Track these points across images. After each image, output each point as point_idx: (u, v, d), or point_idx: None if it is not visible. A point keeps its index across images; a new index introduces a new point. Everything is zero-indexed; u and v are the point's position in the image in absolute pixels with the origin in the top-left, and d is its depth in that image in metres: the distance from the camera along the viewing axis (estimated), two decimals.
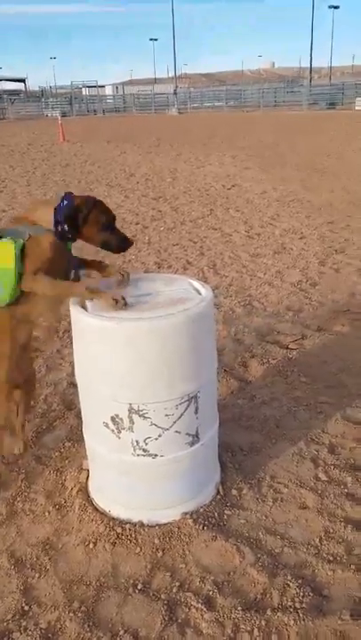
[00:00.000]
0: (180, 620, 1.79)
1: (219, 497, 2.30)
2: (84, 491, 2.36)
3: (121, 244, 2.18)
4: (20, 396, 2.49)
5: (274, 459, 2.56)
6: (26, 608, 1.85)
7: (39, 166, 13.09)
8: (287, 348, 3.64)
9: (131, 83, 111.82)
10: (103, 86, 71.54)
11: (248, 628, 1.76)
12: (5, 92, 61.92)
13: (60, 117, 23.67)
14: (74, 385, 3.16)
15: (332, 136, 17.30)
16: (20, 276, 2.00)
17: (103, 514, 2.22)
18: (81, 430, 2.35)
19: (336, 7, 74.60)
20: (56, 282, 2.03)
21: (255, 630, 1.75)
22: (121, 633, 1.75)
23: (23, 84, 70.11)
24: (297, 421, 2.86)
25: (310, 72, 57.26)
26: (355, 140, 15.92)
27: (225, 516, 2.21)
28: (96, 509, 2.25)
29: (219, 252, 5.80)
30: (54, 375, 3.37)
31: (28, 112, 46.54)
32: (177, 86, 51.75)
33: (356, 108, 33.44)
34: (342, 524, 2.17)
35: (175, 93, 45.50)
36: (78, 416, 2.80)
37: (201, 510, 2.21)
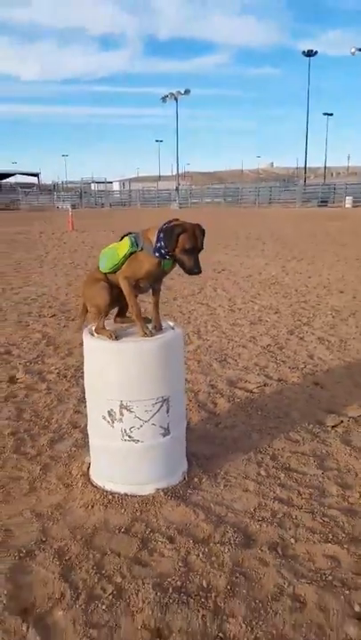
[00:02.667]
0: (149, 548, 2.59)
1: (184, 482, 3.13)
2: (86, 476, 3.19)
3: (190, 268, 2.74)
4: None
5: (228, 462, 3.40)
6: (43, 539, 2.65)
7: (50, 251, 14.56)
8: (251, 391, 4.55)
9: (137, 179, 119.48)
10: (111, 182, 76.92)
11: (196, 553, 2.55)
12: (20, 184, 66.85)
13: (70, 209, 25.90)
14: (77, 412, 4.07)
15: (313, 228, 19.04)
16: (120, 265, 2.88)
17: (99, 488, 3.04)
18: (84, 441, 3.18)
19: (330, 114, 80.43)
20: (131, 292, 2.91)
21: (200, 554, 2.54)
22: (108, 552, 2.55)
23: (36, 178, 75.67)
24: (250, 440, 3.71)
25: (305, 172, 62.06)
26: (331, 233, 17.58)
27: (187, 493, 3.03)
28: (94, 486, 3.08)
29: (203, 322, 6.85)
30: (63, 406, 4.25)
31: (40, 203, 49.97)
32: (179, 184, 55.92)
33: (346, 205, 36.32)
34: (272, 500, 2.99)
35: (177, 190, 49.23)
36: (82, 432, 3.68)
37: (170, 488, 3.04)
